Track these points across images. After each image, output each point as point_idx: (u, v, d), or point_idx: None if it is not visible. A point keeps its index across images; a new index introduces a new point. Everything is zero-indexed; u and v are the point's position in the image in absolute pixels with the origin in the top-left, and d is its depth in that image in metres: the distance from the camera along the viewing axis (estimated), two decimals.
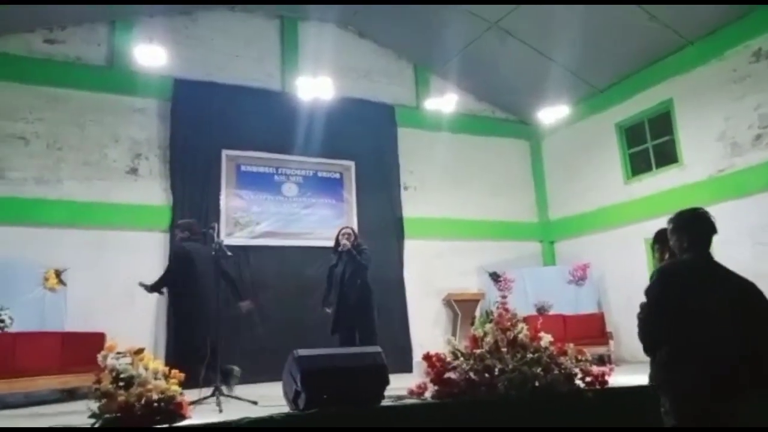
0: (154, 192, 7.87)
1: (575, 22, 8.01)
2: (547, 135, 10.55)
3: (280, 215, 8.39)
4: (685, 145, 8.21)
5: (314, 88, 8.44)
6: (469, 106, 10.26)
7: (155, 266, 7.57)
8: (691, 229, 2.94)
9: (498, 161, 10.39)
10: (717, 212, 8.25)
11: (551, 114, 9.51)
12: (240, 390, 4.90)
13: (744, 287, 2.90)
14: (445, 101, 9.43)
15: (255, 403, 4.48)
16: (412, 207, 9.35)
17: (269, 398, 4.49)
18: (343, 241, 5.87)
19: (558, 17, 8.03)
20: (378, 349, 4.22)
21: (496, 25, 8.58)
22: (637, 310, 2.92)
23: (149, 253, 7.55)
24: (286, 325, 7.65)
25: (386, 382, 4.00)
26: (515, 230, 10.11)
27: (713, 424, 2.61)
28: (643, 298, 2.89)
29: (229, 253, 5.46)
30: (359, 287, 5.80)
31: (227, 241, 7.40)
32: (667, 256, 3.31)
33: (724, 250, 7.50)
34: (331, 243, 8.52)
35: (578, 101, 9.62)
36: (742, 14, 7.36)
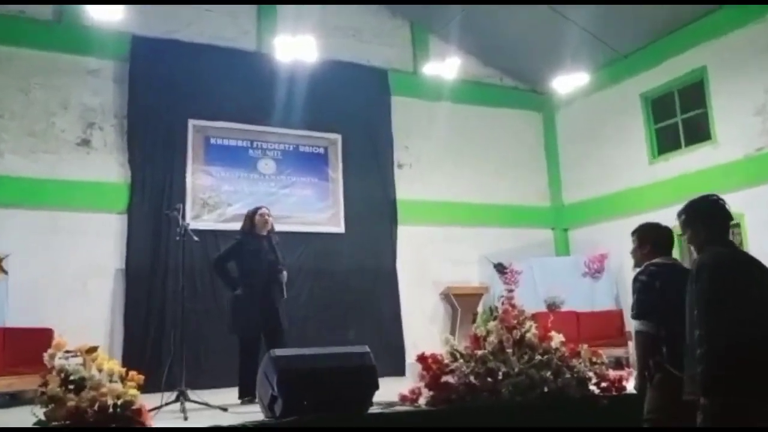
0: (109, 167, 7.80)
1: None
2: (562, 106, 10.53)
3: (256, 195, 8.32)
4: (719, 120, 8.23)
5: (295, 48, 8.32)
6: (473, 72, 10.21)
7: (111, 253, 7.58)
8: (710, 219, 3.04)
9: (506, 136, 10.38)
10: (754, 196, 8.35)
11: (567, 82, 9.47)
12: (208, 395, 4.91)
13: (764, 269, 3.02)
14: (446, 66, 9.37)
15: (225, 409, 4.49)
16: (407, 188, 9.34)
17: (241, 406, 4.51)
18: (269, 222, 5.79)
19: None
20: (366, 348, 4.24)
21: None
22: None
23: (104, 238, 7.53)
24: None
25: (375, 387, 4.02)
26: (524, 215, 10.14)
27: None
28: None
29: (196, 239, 5.45)
30: (276, 286, 5.68)
31: (194, 224, 7.35)
32: (647, 251, 3.43)
33: (765, 239, 7.62)
34: (314, 228, 8.58)
35: (598, 68, 9.60)
36: None
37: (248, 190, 8.34)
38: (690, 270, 3.09)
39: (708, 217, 3.08)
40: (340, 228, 8.69)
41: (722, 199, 3.10)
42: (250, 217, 5.82)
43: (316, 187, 8.78)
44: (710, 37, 8.27)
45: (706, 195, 3.18)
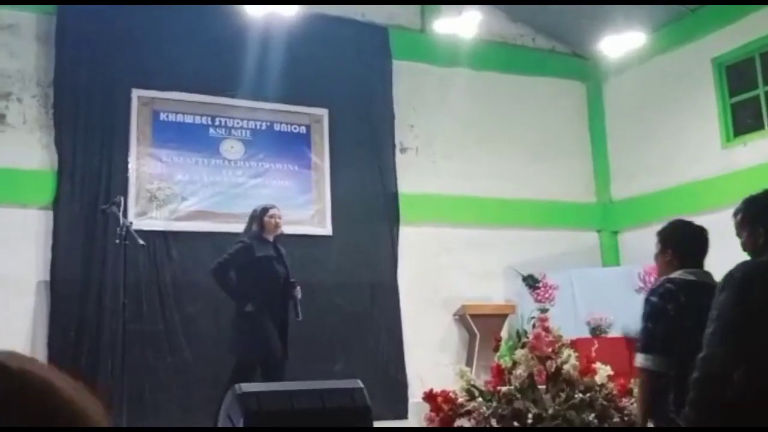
0: (30, 150, 7.79)
1: None
2: (612, 75, 10.58)
3: (218, 187, 8.35)
4: None
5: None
6: (499, 29, 10.23)
7: (31, 261, 7.56)
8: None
9: (539, 113, 10.39)
10: None
11: (619, 44, 9.48)
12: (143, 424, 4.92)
13: None
14: (462, 23, 9.34)
15: None
16: (412, 178, 9.35)
17: None
18: (280, 223, 6.07)
19: None
20: (358, 383, 4.24)
21: None
22: None
23: (22, 242, 7.50)
24: (226, 344, 7.65)
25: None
26: (562, 214, 10.17)
27: None
28: None
29: (141, 242, 5.46)
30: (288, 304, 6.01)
31: (138, 224, 7.40)
32: (669, 259, 3.49)
33: None
34: (293, 228, 8.54)
35: (659, 25, 9.64)
36: None
37: (208, 180, 8.36)
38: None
39: (765, 214, 3.10)
40: (326, 229, 8.69)
41: None
42: (258, 218, 6.03)
43: (296, 176, 8.79)
44: None
45: None
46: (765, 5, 8.63)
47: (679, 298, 3.33)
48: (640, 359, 3.41)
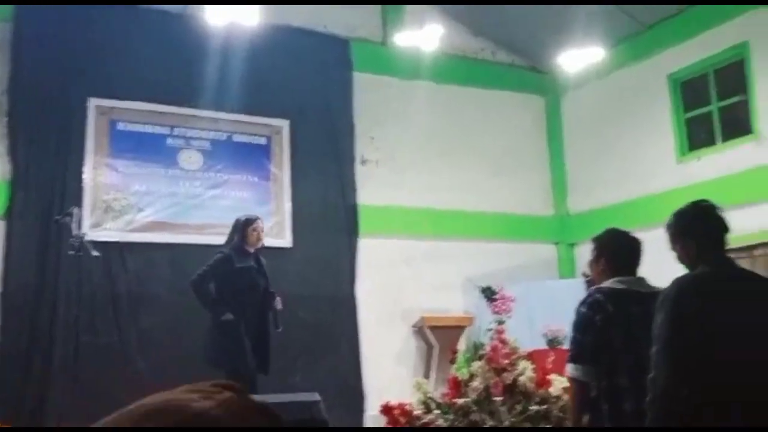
0: None
1: None
2: (570, 89, 10.69)
3: (175, 198, 8.26)
4: (764, 110, 8.42)
5: (231, 9, 8.23)
6: (460, 43, 10.30)
7: None
8: (701, 231, 3.12)
9: (498, 126, 10.47)
10: None
11: (577, 59, 9.59)
12: None
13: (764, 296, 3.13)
14: (424, 36, 9.40)
15: None
16: (372, 190, 9.35)
17: None
18: (262, 238, 6.04)
19: None
20: (316, 396, 4.22)
21: None
22: None
23: None
24: (182, 357, 7.52)
25: None
26: (520, 227, 10.24)
27: None
28: None
29: (95, 253, 5.38)
30: (268, 316, 6.05)
31: (93, 235, 7.28)
32: (602, 267, 3.51)
33: None
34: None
35: (617, 41, 9.77)
36: None
37: (166, 191, 8.27)
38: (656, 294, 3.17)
39: (698, 229, 3.17)
40: (285, 241, 8.63)
41: (715, 206, 3.19)
42: (241, 230, 5.96)
43: (256, 187, 8.73)
44: (755, 6, 8.47)
45: (697, 202, 3.27)
46: (719, 24, 8.82)
47: (607, 308, 3.34)
48: (570, 369, 3.43)
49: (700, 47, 9.07)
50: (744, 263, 7.88)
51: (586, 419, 3.45)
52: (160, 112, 8.37)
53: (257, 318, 5.87)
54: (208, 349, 5.87)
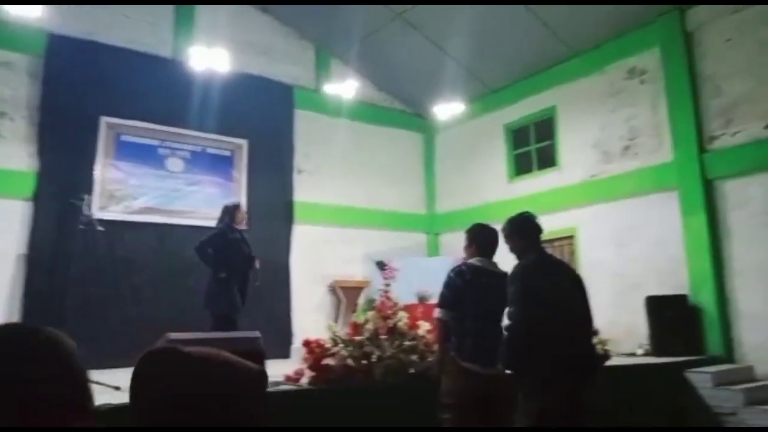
0: (18, 156, 7.11)
1: (475, 22, 8.26)
2: (441, 130, 10.82)
3: (162, 191, 7.91)
4: (563, 150, 8.78)
5: (209, 59, 7.99)
6: (368, 94, 10.27)
7: (14, 239, 6.92)
8: (526, 232, 3.30)
9: (392, 152, 10.52)
10: (587, 213, 8.90)
11: (446, 110, 9.74)
12: (103, 374, 4.56)
13: (576, 276, 3.39)
14: (345, 87, 9.36)
15: (117, 388, 4.19)
16: (304, 191, 9.23)
17: None
18: (245, 218, 5.79)
19: (459, 16, 8.24)
20: (257, 334, 4.11)
21: (400, 17, 8.65)
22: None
23: (8, 223, 6.84)
24: (163, 307, 7.25)
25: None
26: (404, 221, 10.31)
27: (569, 406, 3.05)
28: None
29: (100, 228, 5.10)
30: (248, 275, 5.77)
31: (99, 215, 6.93)
32: (473, 250, 3.58)
33: (591, 249, 8.21)
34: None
35: (472, 99, 9.95)
36: (622, 33, 7.97)
37: (155, 185, 7.88)
38: (488, 272, 3.41)
39: (525, 230, 3.33)
40: (242, 224, 8.36)
41: (534, 216, 3.37)
42: (231, 212, 5.70)
43: (221, 186, 8.45)
44: (561, 82, 8.81)
45: (522, 212, 3.44)
46: (538, 93, 9.12)
47: (466, 276, 3.42)
48: (436, 312, 3.52)
49: (526, 107, 9.37)
50: (550, 251, 8.25)
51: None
52: (154, 129, 7.97)
53: (242, 275, 5.64)
54: (207, 295, 5.58)
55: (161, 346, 1.13)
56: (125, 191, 7.63)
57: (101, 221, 6.03)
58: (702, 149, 7.10)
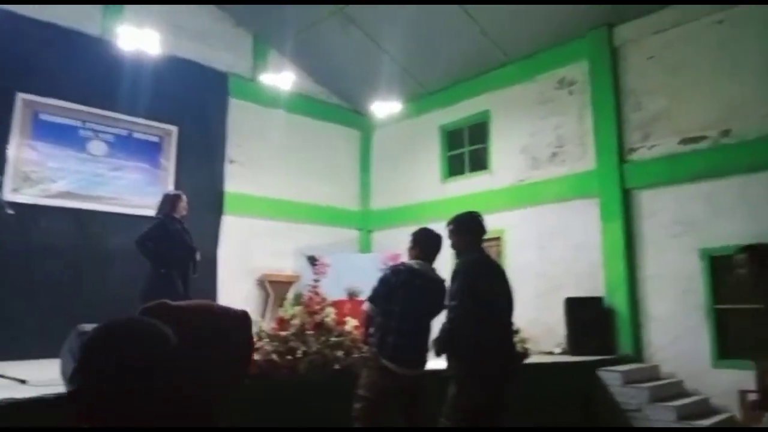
0: None
1: (415, 23, 8.35)
2: (378, 128, 10.87)
3: (83, 175, 7.51)
4: (495, 154, 9.04)
5: (139, 39, 7.63)
6: (307, 87, 10.16)
7: None
8: (473, 231, 3.39)
9: (329, 147, 10.47)
10: (514, 216, 9.16)
11: (384, 108, 9.79)
12: (9, 366, 4.30)
13: (507, 277, 3.49)
14: (281, 78, 9.22)
15: (23, 381, 3.96)
16: (236, 182, 9.02)
17: (44, 378, 4.00)
18: (186, 208, 5.57)
19: (400, 15, 8.30)
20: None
21: (341, 11, 8.60)
22: None
23: None
24: (82, 297, 6.87)
25: None
26: (337, 216, 10.29)
27: (498, 402, 3.19)
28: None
29: (10, 211, 4.76)
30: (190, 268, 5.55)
31: (12, 197, 6.49)
32: (416, 253, 3.66)
33: (517, 251, 8.48)
34: (141, 211, 7.90)
35: (409, 99, 10.05)
36: (554, 44, 8.28)
37: (75, 169, 7.46)
38: (421, 273, 3.46)
39: (470, 228, 3.41)
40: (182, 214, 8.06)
41: (481, 216, 3.44)
42: (172, 201, 5.45)
43: (147, 172, 8.11)
44: (496, 87, 9.06)
45: (471, 211, 3.50)
46: (473, 97, 9.33)
47: (402, 276, 3.48)
48: (365, 305, 3.58)
49: (461, 110, 9.57)
50: None
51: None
52: (76, 109, 7.53)
53: (184, 268, 5.39)
54: (146, 291, 5.22)
55: (153, 303, 1.39)
56: (42, 173, 7.18)
57: (13, 204, 5.62)
58: (622, 160, 7.51)
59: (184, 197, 5.60)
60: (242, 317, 1.34)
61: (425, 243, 3.60)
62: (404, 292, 3.39)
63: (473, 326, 3.08)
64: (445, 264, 3.68)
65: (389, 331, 3.37)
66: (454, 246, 3.44)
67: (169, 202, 5.56)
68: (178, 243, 5.38)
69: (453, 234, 3.44)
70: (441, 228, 3.68)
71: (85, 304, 6.70)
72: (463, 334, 3.10)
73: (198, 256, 5.57)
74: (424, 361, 3.47)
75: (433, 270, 3.60)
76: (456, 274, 3.25)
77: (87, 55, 7.55)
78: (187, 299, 5.35)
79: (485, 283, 3.21)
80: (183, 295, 5.27)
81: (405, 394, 3.33)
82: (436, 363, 3.46)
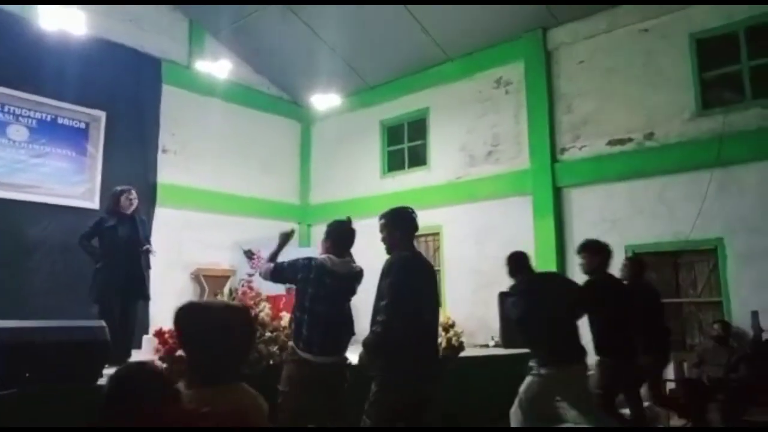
0: None
1: (356, 16, 8.32)
2: (318, 120, 10.77)
3: (1, 161, 7.05)
4: (433, 151, 9.15)
5: (61, 19, 7.11)
6: (245, 76, 9.93)
7: None
8: (404, 226, 3.37)
9: (267, 138, 10.28)
10: (451, 212, 9.32)
11: (324, 101, 9.69)
12: None
13: (435, 275, 3.52)
14: (218, 66, 8.95)
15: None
16: (169, 173, 8.71)
17: None
18: (134, 203, 5.34)
19: (342, 8, 8.24)
20: (101, 323, 3.83)
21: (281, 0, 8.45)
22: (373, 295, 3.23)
23: None
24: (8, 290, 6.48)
25: (106, 360, 3.63)
26: (276, 209, 10.13)
27: (421, 400, 3.18)
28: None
29: None
30: (138, 260, 5.33)
31: None
32: (328, 245, 3.61)
33: (455, 247, 8.64)
34: (65, 201, 7.53)
35: (350, 93, 10.01)
36: (494, 44, 8.45)
37: None
38: (354, 268, 3.49)
39: (402, 224, 3.39)
40: (94, 204, 7.68)
41: (414, 212, 3.43)
42: (114, 196, 5.32)
43: (73, 160, 7.71)
44: (435, 84, 9.16)
45: (404, 206, 3.48)
46: (413, 92, 9.39)
47: (317, 270, 3.42)
48: (263, 269, 3.66)
49: (401, 106, 9.63)
50: (417, 247, 8.52)
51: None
52: None
53: (128, 263, 5.16)
54: (90, 289, 5.13)
55: (186, 302, 1.80)
56: None
57: None
58: (554, 159, 7.77)
59: (127, 192, 5.37)
60: (245, 311, 1.78)
61: (337, 236, 3.56)
62: (315, 290, 3.37)
63: (403, 325, 3.08)
64: (375, 258, 3.63)
65: (302, 323, 3.36)
66: (384, 241, 3.39)
67: (111, 198, 5.47)
68: (117, 238, 5.17)
69: (385, 228, 3.39)
70: (376, 226, 3.63)
71: (3, 298, 6.32)
72: (393, 333, 3.08)
73: (151, 249, 5.38)
74: (342, 348, 3.45)
75: (347, 262, 3.55)
76: (387, 272, 3.21)
77: (4, 33, 7.07)
78: (129, 293, 5.20)
79: (416, 282, 3.21)
80: (121, 288, 5.14)
81: (324, 385, 3.30)
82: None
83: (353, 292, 3.56)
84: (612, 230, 7.21)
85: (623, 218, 7.16)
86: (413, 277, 3.20)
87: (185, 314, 1.76)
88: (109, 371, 3.70)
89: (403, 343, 3.08)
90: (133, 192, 5.40)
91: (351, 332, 3.55)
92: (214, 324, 1.68)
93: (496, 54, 8.50)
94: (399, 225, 3.36)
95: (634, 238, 7.02)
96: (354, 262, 3.59)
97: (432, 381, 3.24)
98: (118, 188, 5.48)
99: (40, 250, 6.97)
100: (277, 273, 3.54)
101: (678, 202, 6.76)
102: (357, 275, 3.55)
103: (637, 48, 7.27)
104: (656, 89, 7.07)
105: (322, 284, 3.37)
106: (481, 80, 8.68)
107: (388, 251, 3.36)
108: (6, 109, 7.18)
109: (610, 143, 7.38)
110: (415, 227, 3.41)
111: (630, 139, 7.24)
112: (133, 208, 5.37)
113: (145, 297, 5.49)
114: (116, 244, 5.17)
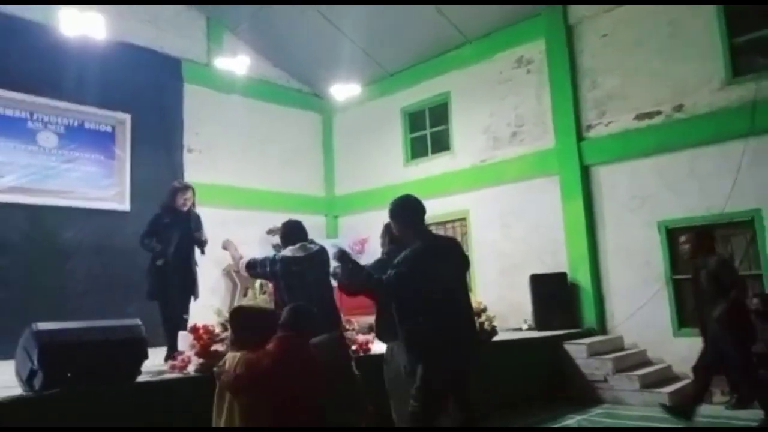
0: None
1: (373, 5, 8.22)
2: (339, 111, 10.75)
3: (33, 168, 7.21)
4: (456, 135, 9.06)
5: (82, 24, 7.11)
6: (264, 71, 9.96)
7: None
8: (406, 213, 3.36)
9: (290, 132, 10.31)
10: (477, 196, 9.23)
11: (344, 91, 9.65)
12: None
13: (461, 260, 3.47)
14: (237, 63, 8.97)
15: None
16: (195, 172, 8.75)
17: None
18: (188, 203, 5.39)
19: None
20: (137, 321, 3.89)
21: None
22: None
23: None
24: (35, 294, 6.65)
25: (144, 357, 3.69)
26: (302, 203, 10.17)
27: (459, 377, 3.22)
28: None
29: None
30: (190, 258, 5.45)
31: None
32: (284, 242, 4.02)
33: (481, 230, 8.56)
34: (97, 204, 7.67)
35: (370, 81, 9.97)
36: (513, 22, 8.29)
37: (25, 162, 7.17)
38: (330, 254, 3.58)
39: (409, 214, 3.37)
40: (124, 206, 7.83)
41: (415, 197, 3.43)
42: (170, 193, 5.35)
43: (102, 164, 7.84)
44: (455, 67, 9.05)
45: (405, 195, 3.46)
46: (433, 78, 9.29)
47: (278, 265, 3.77)
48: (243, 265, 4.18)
49: (422, 92, 9.54)
50: (441, 231, 8.49)
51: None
52: (21, 100, 7.19)
53: (185, 260, 5.29)
54: (147, 286, 5.19)
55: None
56: None
57: None
58: (580, 137, 7.61)
59: (182, 191, 5.40)
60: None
61: (289, 234, 4.05)
62: (285, 282, 3.68)
63: (429, 319, 3.10)
64: None
65: (293, 294, 3.63)
66: (400, 237, 3.41)
67: (168, 195, 5.44)
68: (174, 234, 5.24)
69: (395, 225, 3.42)
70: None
71: (41, 301, 6.51)
72: (422, 328, 3.11)
73: (203, 236, 5.44)
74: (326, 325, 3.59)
75: (307, 247, 3.89)
76: (403, 260, 3.21)
77: (29, 42, 7.22)
78: (184, 291, 5.28)
79: (429, 271, 3.17)
80: (179, 287, 5.23)
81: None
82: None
83: (328, 270, 3.80)
84: (642, 207, 7.06)
85: (654, 194, 7.00)
86: (423, 264, 3.16)
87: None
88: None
89: (434, 331, 3.09)
90: (189, 192, 5.43)
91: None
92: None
93: (515, 33, 8.34)
94: (405, 216, 3.36)
95: (666, 214, 6.85)
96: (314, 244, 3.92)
97: (469, 361, 3.24)
98: (176, 184, 5.54)
99: (77, 254, 7.12)
100: (253, 263, 3.98)
101: (710, 175, 6.57)
102: (324, 252, 3.86)
103: (661, 17, 7.05)
104: (683, 59, 6.86)
105: (292, 273, 3.65)
106: (502, 61, 8.54)
107: (403, 240, 3.36)
108: (35, 117, 7.34)
109: (638, 117, 7.19)
110: (422, 210, 3.39)
111: (658, 112, 7.04)
112: (187, 206, 5.42)
113: (195, 295, 5.51)
114: (171, 242, 5.23)
